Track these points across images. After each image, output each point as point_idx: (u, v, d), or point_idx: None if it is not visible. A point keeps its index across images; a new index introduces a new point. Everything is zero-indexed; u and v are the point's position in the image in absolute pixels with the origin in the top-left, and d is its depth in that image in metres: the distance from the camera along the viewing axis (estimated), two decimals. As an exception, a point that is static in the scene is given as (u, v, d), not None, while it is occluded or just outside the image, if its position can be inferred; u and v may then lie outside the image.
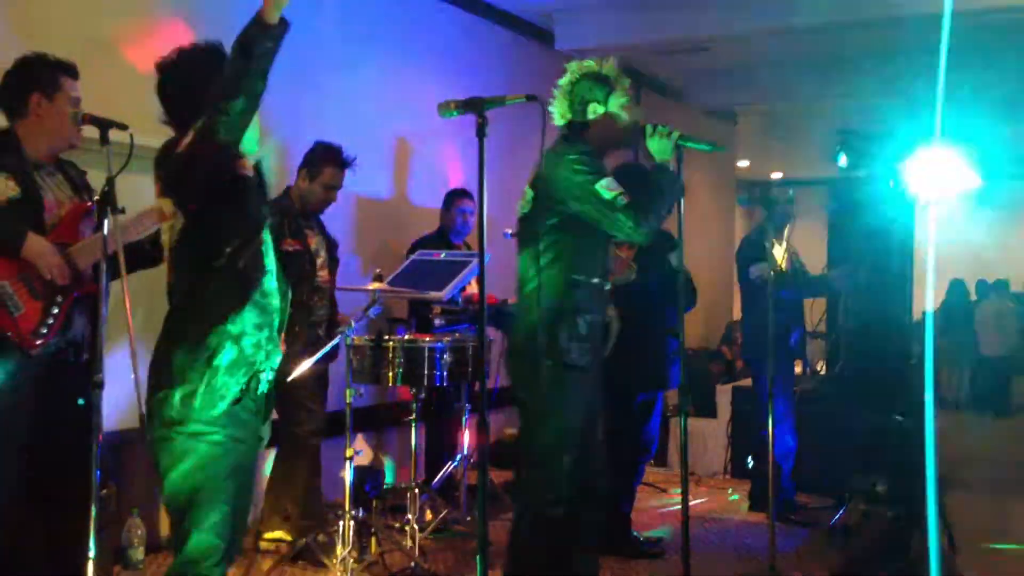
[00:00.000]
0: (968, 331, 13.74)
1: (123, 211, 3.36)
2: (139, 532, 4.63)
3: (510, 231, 6.08)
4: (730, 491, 6.88)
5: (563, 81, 3.99)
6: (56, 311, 3.54)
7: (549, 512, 3.69)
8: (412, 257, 5.73)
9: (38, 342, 3.48)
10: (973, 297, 14.27)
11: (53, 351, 3.55)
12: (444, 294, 5.22)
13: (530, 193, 3.91)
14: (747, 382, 7.71)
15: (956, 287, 14.07)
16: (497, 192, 7.70)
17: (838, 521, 5.88)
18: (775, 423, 5.15)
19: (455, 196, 6.44)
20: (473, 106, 2.93)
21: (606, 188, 3.71)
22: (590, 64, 3.98)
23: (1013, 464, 8.81)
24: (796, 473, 6.20)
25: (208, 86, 2.75)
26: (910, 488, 6.36)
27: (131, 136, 3.41)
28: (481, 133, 2.89)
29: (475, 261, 5.37)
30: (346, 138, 5.29)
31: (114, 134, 3.41)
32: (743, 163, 13.46)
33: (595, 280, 3.82)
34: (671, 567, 5.00)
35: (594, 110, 3.91)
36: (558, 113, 3.97)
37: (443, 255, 5.62)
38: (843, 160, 6.98)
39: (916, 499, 6.24)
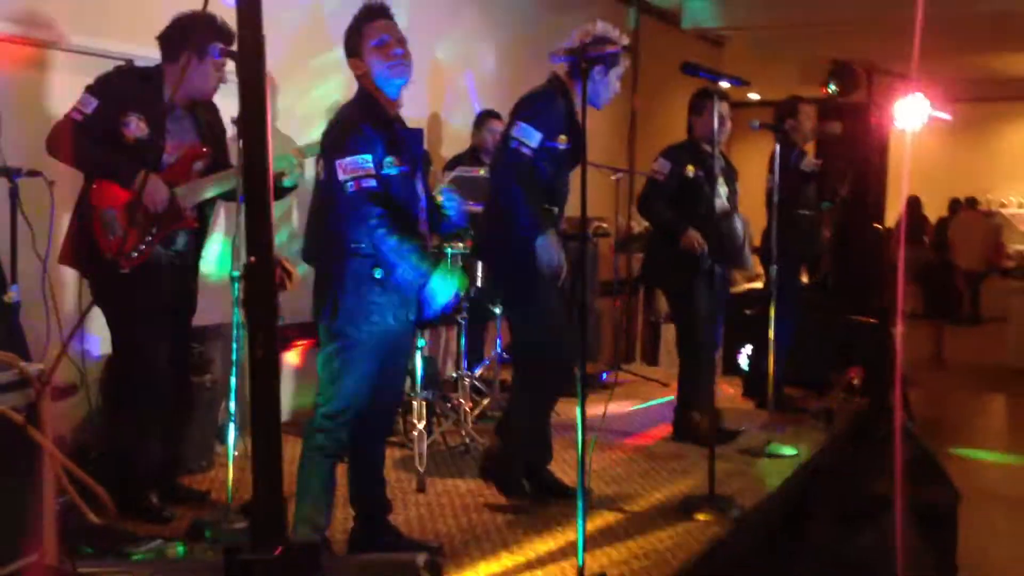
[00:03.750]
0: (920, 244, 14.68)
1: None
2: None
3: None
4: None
5: None
6: (149, 239, 4.17)
7: None
8: (453, 173, 6.38)
9: (128, 262, 4.12)
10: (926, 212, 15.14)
11: (165, 260, 4.25)
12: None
13: None
14: (737, 290, 8.50)
15: (912, 204, 14.88)
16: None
17: (820, 407, 6.74)
18: (777, 323, 5.96)
19: (485, 117, 7.06)
20: (577, 52, 3.57)
21: None
22: None
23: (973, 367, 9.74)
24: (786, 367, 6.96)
25: None
26: (880, 381, 7.25)
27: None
28: (584, 76, 3.52)
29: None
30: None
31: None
32: (725, 84, 14.06)
33: None
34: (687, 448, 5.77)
35: None
36: None
37: (481, 171, 6.28)
38: (833, 88, 7.73)
39: (884, 391, 7.14)
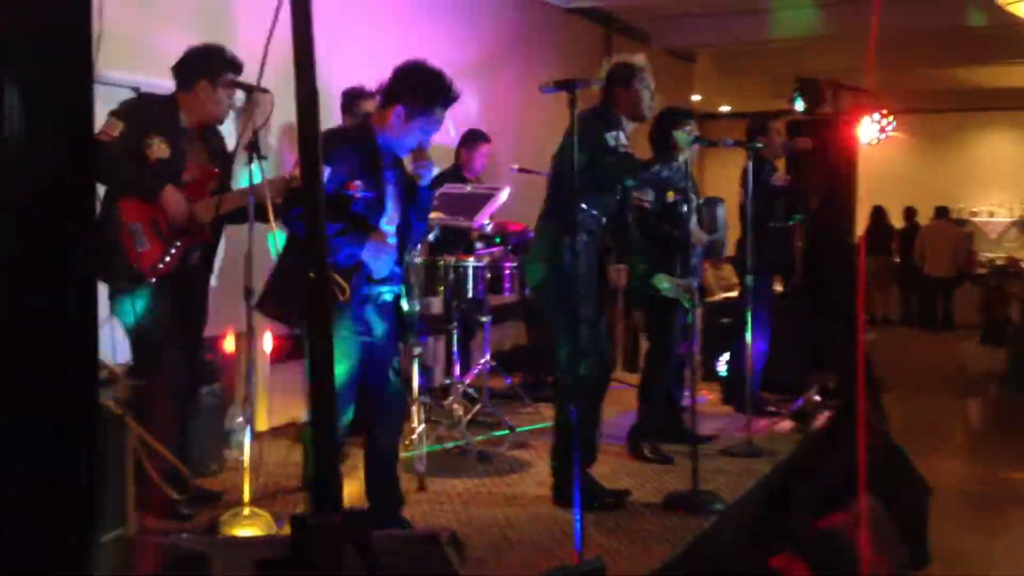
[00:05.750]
0: (887, 252, 15.12)
1: (266, 158, 4.35)
2: (239, 419, 5.61)
3: (516, 167, 7.11)
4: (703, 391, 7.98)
5: None
6: (173, 251, 4.50)
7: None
8: (441, 190, 6.69)
9: (154, 273, 4.46)
10: (894, 222, 15.57)
11: (177, 274, 4.54)
12: (476, 221, 6.22)
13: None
14: (714, 299, 8.83)
15: (877, 213, 15.29)
16: (512, 134, 8.70)
17: (797, 409, 7.07)
18: (753, 330, 6.27)
19: (476, 138, 7.37)
20: (567, 85, 3.89)
21: None
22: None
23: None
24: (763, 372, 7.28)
25: None
26: (853, 384, 7.57)
27: (272, 98, 4.37)
28: (572, 106, 3.83)
29: (499, 192, 6.39)
30: (370, 79, 6.21)
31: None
32: (696, 97, 14.48)
33: None
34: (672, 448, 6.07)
35: None
36: None
37: (468, 188, 6.59)
38: (800, 104, 8.07)
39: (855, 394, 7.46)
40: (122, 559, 2.28)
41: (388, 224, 4.22)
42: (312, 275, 1.99)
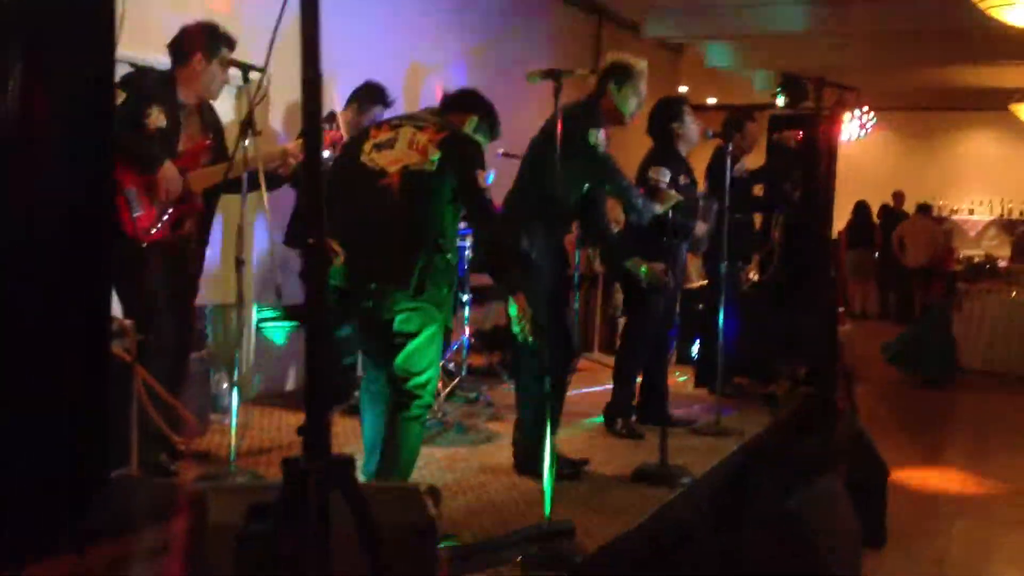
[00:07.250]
0: (867, 247, 15.40)
1: (260, 133, 4.55)
2: (224, 385, 5.81)
3: (502, 151, 7.30)
4: (677, 373, 8.21)
5: None
6: (166, 217, 4.69)
7: None
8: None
9: (147, 237, 4.64)
10: (875, 219, 15.84)
11: (170, 242, 4.73)
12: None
13: None
14: (691, 285, 9.03)
15: (860, 208, 15.52)
16: (502, 120, 8.86)
17: (768, 393, 7.30)
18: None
19: None
20: (552, 75, 4.08)
21: None
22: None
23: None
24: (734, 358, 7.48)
25: None
26: (824, 373, 7.81)
27: (268, 77, 4.55)
28: (557, 94, 4.04)
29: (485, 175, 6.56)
30: (370, 64, 6.37)
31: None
32: (683, 88, 14.66)
33: None
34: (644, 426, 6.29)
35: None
36: None
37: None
38: (782, 99, 8.28)
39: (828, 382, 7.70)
40: (126, 494, 2.46)
41: None
42: (311, 240, 2.17)
